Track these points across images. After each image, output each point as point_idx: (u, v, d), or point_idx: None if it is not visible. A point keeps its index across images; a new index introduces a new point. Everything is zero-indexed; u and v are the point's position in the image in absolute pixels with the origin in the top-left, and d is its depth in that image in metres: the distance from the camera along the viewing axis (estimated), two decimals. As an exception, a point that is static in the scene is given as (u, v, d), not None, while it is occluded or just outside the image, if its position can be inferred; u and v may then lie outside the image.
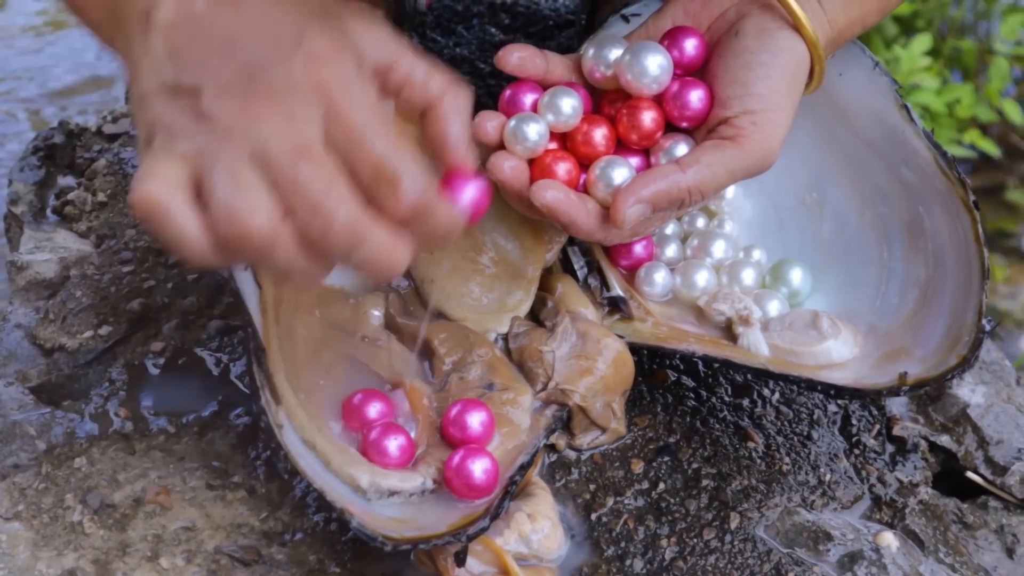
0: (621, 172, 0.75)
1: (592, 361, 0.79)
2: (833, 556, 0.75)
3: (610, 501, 0.78)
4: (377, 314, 0.82)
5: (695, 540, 0.76)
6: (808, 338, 0.81)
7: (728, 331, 0.83)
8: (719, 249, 0.87)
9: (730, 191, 0.91)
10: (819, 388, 0.77)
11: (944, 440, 0.86)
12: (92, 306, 0.89)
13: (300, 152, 0.59)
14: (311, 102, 0.60)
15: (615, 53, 0.78)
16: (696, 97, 0.76)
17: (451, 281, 0.83)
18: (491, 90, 1.14)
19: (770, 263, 0.87)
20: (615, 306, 0.83)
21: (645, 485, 0.80)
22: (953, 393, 0.89)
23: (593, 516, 0.77)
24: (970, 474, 0.85)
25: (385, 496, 0.71)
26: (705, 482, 0.80)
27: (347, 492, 0.71)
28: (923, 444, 0.86)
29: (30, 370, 0.85)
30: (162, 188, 0.58)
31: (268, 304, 0.76)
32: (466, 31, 1.27)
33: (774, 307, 0.84)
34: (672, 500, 0.79)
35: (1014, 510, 0.82)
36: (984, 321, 0.76)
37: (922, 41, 1.86)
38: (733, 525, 0.77)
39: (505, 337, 0.82)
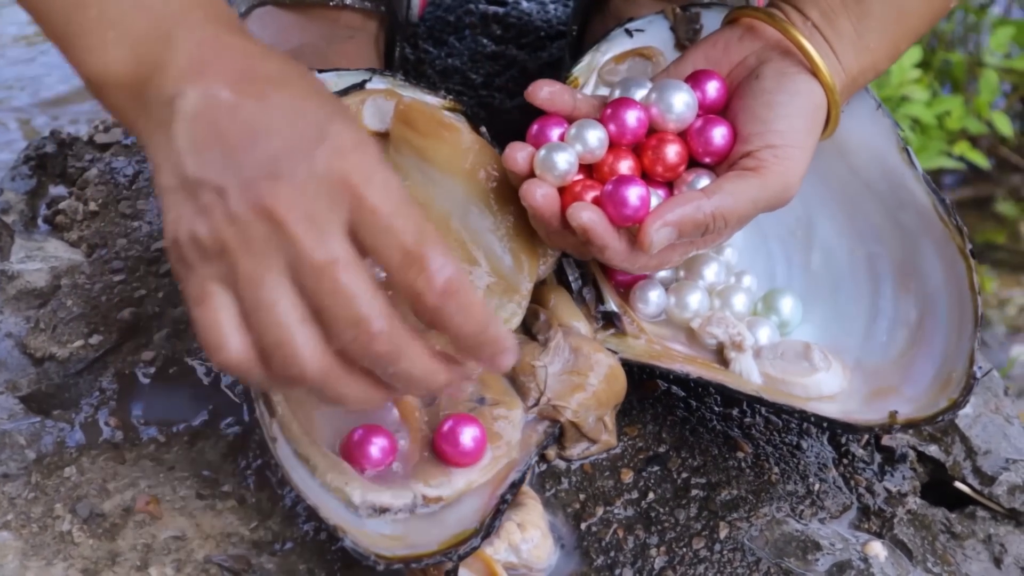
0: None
1: (584, 377, 0.79)
2: (822, 566, 0.75)
3: (600, 511, 0.79)
4: None
5: (684, 550, 0.77)
6: (800, 369, 0.81)
7: (718, 355, 0.83)
8: (712, 272, 0.87)
9: None
10: (812, 420, 0.78)
11: (932, 450, 0.87)
12: (83, 315, 0.89)
13: (332, 263, 0.60)
14: (336, 196, 0.61)
15: (641, 93, 0.80)
16: (719, 134, 0.79)
17: None
18: (482, 100, 1.15)
19: (759, 290, 0.88)
20: (609, 321, 0.84)
21: (635, 495, 0.80)
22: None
23: (583, 525, 0.78)
24: (958, 484, 0.85)
25: (377, 513, 0.71)
26: (695, 492, 0.80)
27: (340, 508, 0.71)
28: (911, 454, 0.86)
29: (20, 379, 0.85)
30: (233, 351, 0.61)
31: None
32: (458, 42, 1.27)
33: (764, 334, 0.84)
34: (662, 510, 0.79)
35: (1002, 520, 0.83)
36: (976, 368, 0.77)
37: (912, 53, 1.87)
38: (722, 535, 0.78)
39: None
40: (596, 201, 0.76)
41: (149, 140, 0.64)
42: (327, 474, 0.71)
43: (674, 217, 0.74)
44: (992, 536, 0.81)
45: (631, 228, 0.76)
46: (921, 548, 0.79)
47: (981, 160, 1.96)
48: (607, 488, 0.80)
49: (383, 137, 0.85)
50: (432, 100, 0.86)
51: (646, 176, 0.80)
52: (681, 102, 0.78)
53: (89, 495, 0.76)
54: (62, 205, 1.01)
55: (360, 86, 0.85)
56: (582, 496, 0.79)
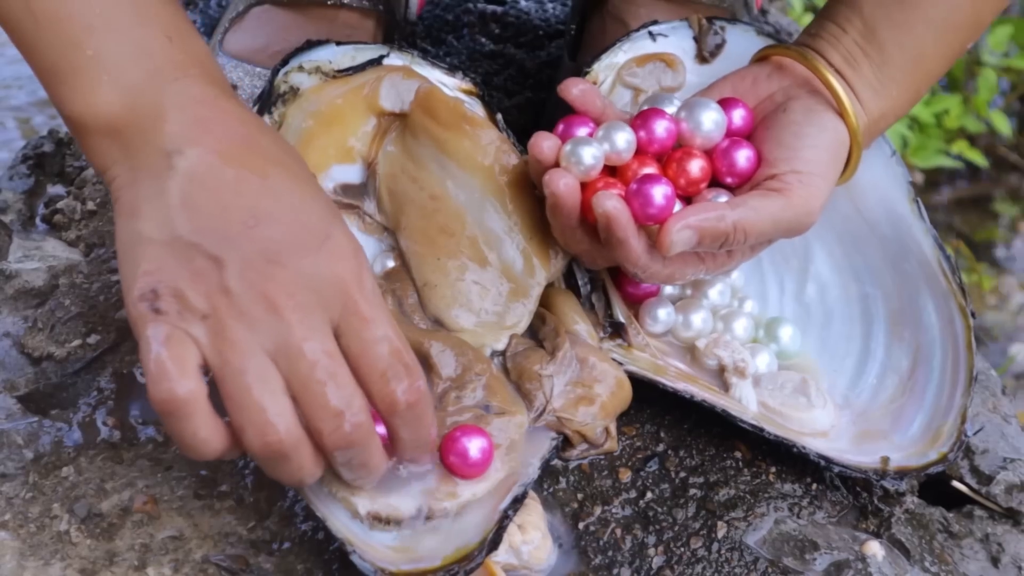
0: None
1: (591, 389, 0.79)
2: (819, 565, 0.75)
3: (598, 510, 0.79)
4: None
5: (682, 549, 0.77)
6: (797, 403, 0.82)
7: (718, 377, 0.83)
8: (716, 292, 0.87)
9: None
10: (811, 456, 0.78)
11: (930, 449, 0.87)
12: (81, 315, 0.89)
13: (326, 354, 0.63)
14: (330, 296, 0.64)
15: (670, 109, 0.80)
16: (744, 156, 0.79)
17: (453, 291, 0.81)
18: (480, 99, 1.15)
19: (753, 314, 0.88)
20: (615, 331, 0.83)
21: (633, 494, 0.80)
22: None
23: (581, 525, 0.78)
24: (956, 483, 0.85)
25: (381, 524, 0.71)
26: (692, 491, 0.80)
27: (346, 519, 0.70)
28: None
29: (18, 379, 0.85)
30: (184, 388, 0.61)
31: None
32: (456, 41, 1.27)
33: (763, 361, 0.84)
34: (660, 509, 0.79)
35: (999, 519, 0.83)
36: (966, 426, 0.78)
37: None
38: (720, 534, 0.78)
39: (503, 353, 0.81)
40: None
41: (131, 187, 0.65)
42: (333, 482, 0.70)
43: (696, 221, 0.74)
44: (989, 535, 0.81)
45: (651, 230, 0.76)
46: (919, 547, 0.79)
47: (979, 159, 1.96)
48: (605, 487, 0.80)
49: (399, 118, 0.84)
50: (449, 80, 0.85)
51: None
52: (710, 120, 0.79)
53: (87, 495, 0.76)
54: (60, 204, 1.01)
55: (377, 61, 0.84)
56: (580, 495, 0.79)
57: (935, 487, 0.86)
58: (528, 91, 1.19)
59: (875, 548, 0.77)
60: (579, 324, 0.82)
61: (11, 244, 0.96)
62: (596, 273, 0.85)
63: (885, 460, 0.78)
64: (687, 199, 0.80)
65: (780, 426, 0.80)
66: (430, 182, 0.82)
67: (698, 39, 0.89)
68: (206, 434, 0.63)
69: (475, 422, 0.75)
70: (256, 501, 0.77)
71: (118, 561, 0.72)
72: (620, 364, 0.81)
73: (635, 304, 0.86)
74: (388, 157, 0.84)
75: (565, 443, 0.79)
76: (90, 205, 1.00)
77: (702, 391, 0.81)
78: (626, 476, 0.81)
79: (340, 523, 0.69)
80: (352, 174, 0.84)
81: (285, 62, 0.82)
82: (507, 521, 0.71)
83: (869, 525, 0.80)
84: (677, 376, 0.82)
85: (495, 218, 0.81)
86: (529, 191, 0.81)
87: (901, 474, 0.78)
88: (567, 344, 0.80)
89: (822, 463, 0.78)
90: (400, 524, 0.71)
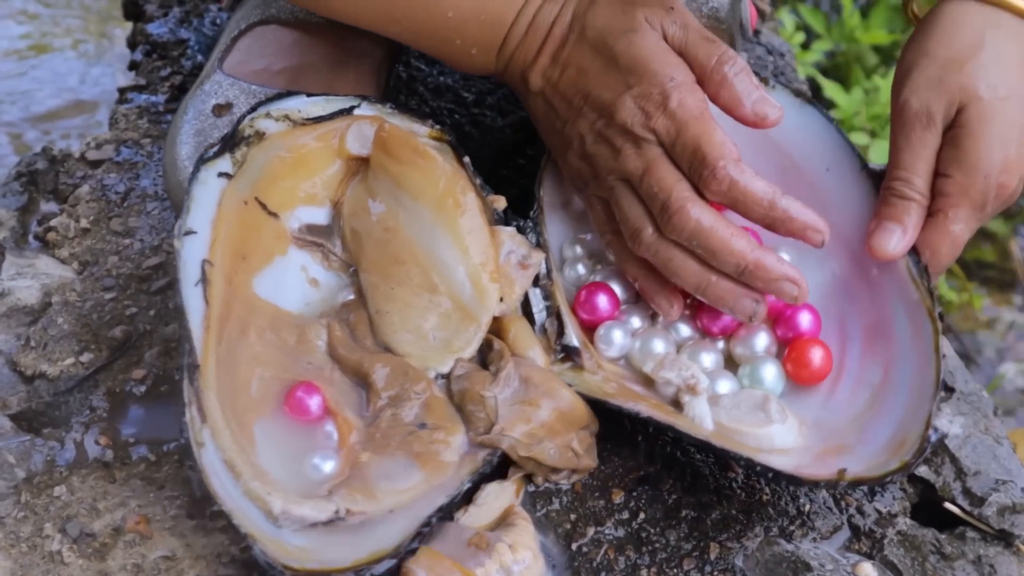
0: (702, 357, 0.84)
1: (535, 408, 0.79)
2: (812, 587, 0.75)
3: (591, 531, 0.79)
4: (321, 344, 0.81)
5: (675, 570, 0.77)
6: (755, 419, 0.80)
7: (677, 402, 0.82)
8: (683, 327, 0.86)
9: None
10: (758, 469, 0.76)
11: (922, 471, 0.87)
12: (74, 333, 0.89)
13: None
14: None
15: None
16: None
17: (402, 316, 0.82)
18: (475, 118, 1.15)
19: (730, 347, 0.87)
20: (567, 355, 0.83)
21: (625, 515, 0.80)
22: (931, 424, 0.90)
23: (574, 546, 0.78)
24: (948, 505, 0.85)
25: (297, 524, 0.71)
26: (685, 512, 0.80)
27: (258, 517, 0.70)
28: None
29: (10, 397, 0.85)
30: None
31: (212, 322, 0.76)
32: (450, 59, 1.28)
33: (724, 386, 0.83)
34: (652, 530, 0.79)
35: (991, 541, 0.83)
36: (930, 432, 0.75)
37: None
38: (713, 555, 0.78)
39: (447, 377, 0.81)
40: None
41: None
42: (251, 482, 0.71)
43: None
44: (982, 557, 0.82)
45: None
46: (911, 569, 0.79)
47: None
48: (598, 508, 0.80)
49: (364, 162, 0.85)
50: (420, 128, 0.86)
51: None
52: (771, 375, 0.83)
53: (79, 514, 0.76)
54: (53, 222, 1.01)
55: (348, 111, 0.85)
56: (573, 516, 0.79)
57: (928, 508, 0.86)
58: (521, 110, 1.19)
59: (868, 570, 0.77)
60: (531, 347, 0.82)
61: (4, 261, 0.96)
62: (553, 300, 0.84)
63: (841, 472, 0.75)
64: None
65: (735, 442, 0.79)
66: (385, 215, 0.83)
67: None
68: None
69: (408, 439, 0.76)
70: (249, 521, 0.77)
71: (110, 581, 0.72)
72: (570, 386, 0.81)
73: (591, 328, 0.85)
74: (352, 197, 0.86)
75: (530, 478, 0.79)
76: (84, 223, 1.00)
77: (650, 409, 0.79)
78: (619, 497, 0.81)
79: (247, 519, 0.69)
80: (319, 215, 0.85)
81: (253, 109, 0.83)
82: (426, 529, 0.71)
83: (862, 546, 0.80)
84: (627, 397, 0.81)
85: (445, 247, 0.82)
86: (481, 220, 0.82)
87: (856, 483, 0.75)
88: (510, 365, 0.80)
89: (770, 475, 0.75)
90: (314, 526, 0.71)
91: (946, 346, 0.98)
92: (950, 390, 0.88)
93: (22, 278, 0.94)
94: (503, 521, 0.76)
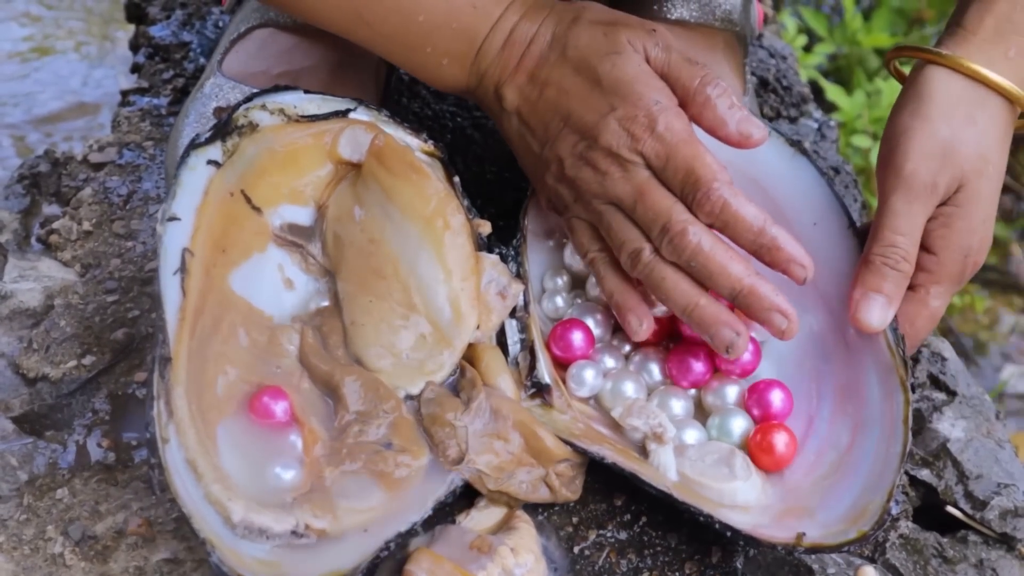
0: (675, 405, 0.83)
1: (503, 440, 0.78)
2: (814, 590, 0.75)
3: (592, 534, 0.79)
4: (292, 349, 0.80)
5: (676, 574, 0.77)
6: (719, 473, 0.78)
7: (644, 447, 0.80)
8: (656, 370, 0.85)
9: None
10: (717, 526, 0.74)
11: (924, 474, 0.87)
12: (76, 336, 0.89)
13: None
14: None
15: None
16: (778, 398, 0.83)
17: (377, 331, 0.81)
18: (476, 121, 1.15)
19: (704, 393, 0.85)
20: (539, 390, 0.82)
21: (627, 518, 0.80)
22: (933, 428, 0.90)
23: (576, 549, 0.78)
24: (950, 508, 0.85)
25: (255, 535, 0.70)
26: (687, 515, 0.80)
27: (217, 522, 0.69)
28: (903, 478, 0.86)
29: (12, 400, 0.85)
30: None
31: (187, 314, 0.74)
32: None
33: (692, 435, 0.81)
34: (654, 533, 0.79)
35: (993, 544, 0.83)
36: (891, 503, 0.74)
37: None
38: (715, 559, 0.78)
39: (416, 398, 0.80)
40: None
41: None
42: (212, 485, 0.70)
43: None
44: (984, 561, 0.82)
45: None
46: (913, 572, 0.79)
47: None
48: (600, 511, 0.80)
49: (355, 168, 0.84)
50: (413, 141, 0.85)
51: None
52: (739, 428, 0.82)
53: (81, 517, 0.76)
54: (56, 224, 1.01)
55: (343, 113, 0.84)
56: (575, 519, 0.79)
57: (930, 512, 0.86)
58: (524, 113, 1.19)
59: (870, 573, 0.77)
60: (502, 378, 0.81)
61: (6, 264, 0.96)
62: (528, 333, 0.83)
63: (800, 536, 0.73)
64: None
65: (696, 495, 0.77)
66: (371, 226, 0.82)
67: None
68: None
69: (373, 458, 0.75)
70: (251, 524, 0.77)
71: (112, 584, 0.72)
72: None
73: (564, 367, 0.84)
74: (337, 202, 0.84)
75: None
76: (86, 225, 1.00)
77: (615, 455, 0.78)
78: (620, 500, 0.81)
79: (206, 524, 0.68)
80: (302, 215, 0.84)
81: (249, 99, 0.82)
82: (385, 553, 0.70)
83: (864, 550, 0.80)
84: (593, 439, 0.79)
85: (429, 267, 0.81)
86: (468, 244, 0.82)
87: (814, 550, 0.73)
88: (482, 395, 0.79)
89: (728, 534, 0.74)
90: (273, 537, 0.70)
91: (947, 349, 0.98)
92: (952, 394, 0.88)
93: (24, 280, 0.94)
94: (505, 524, 0.76)
